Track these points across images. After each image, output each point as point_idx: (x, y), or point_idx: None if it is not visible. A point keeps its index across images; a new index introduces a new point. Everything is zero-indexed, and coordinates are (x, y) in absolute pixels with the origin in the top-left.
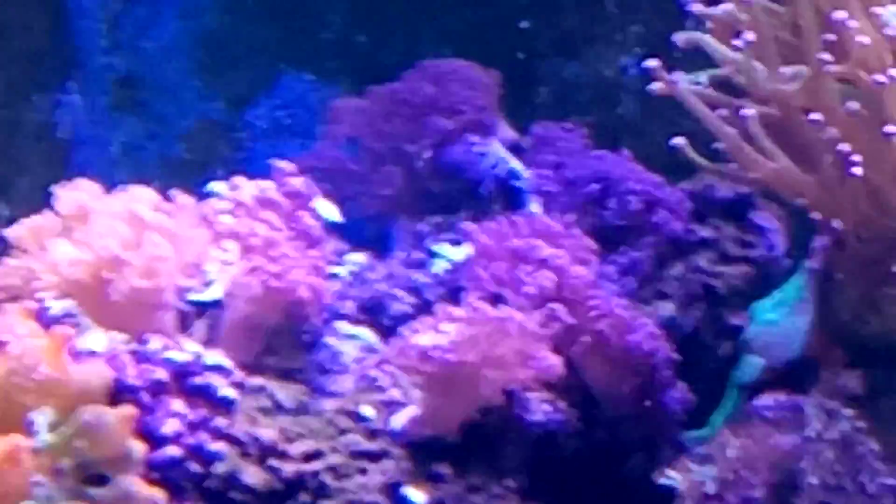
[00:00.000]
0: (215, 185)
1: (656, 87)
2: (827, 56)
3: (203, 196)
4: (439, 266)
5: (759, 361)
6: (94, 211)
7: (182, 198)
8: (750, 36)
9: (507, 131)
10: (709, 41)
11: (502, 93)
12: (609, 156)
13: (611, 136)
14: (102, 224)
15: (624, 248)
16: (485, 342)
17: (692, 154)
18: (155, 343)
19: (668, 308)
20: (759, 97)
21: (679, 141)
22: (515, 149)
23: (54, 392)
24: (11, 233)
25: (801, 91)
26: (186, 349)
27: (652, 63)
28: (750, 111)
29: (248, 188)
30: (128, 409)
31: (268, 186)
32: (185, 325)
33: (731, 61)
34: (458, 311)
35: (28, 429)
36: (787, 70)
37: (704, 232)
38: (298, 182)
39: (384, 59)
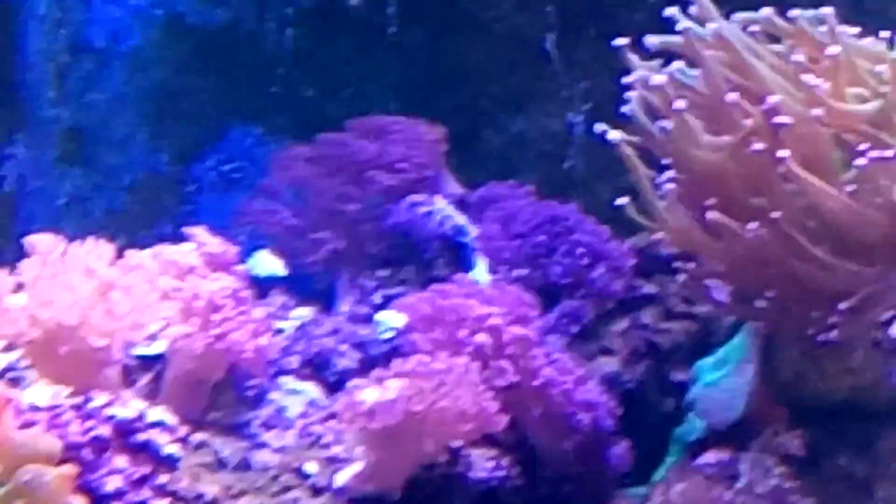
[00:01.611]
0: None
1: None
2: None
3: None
4: (383, 332)
5: (702, 421)
6: (50, 264)
7: (130, 253)
8: (679, 104)
9: (454, 186)
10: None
11: (448, 148)
12: (558, 206)
13: (558, 192)
14: (56, 277)
15: (568, 302)
16: (429, 396)
17: (635, 214)
18: (99, 399)
19: (611, 363)
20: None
21: (623, 201)
22: (462, 204)
23: None
24: None
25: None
26: (130, 405)
27: (614, 134)
28: (669, 179)
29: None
30: (68, 468)
31: (189, 250)
32: (129, 378)
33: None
34: (402, 366)
35: None
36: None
37: (649, 288)
38: (213, 243)
39: (332, 114)
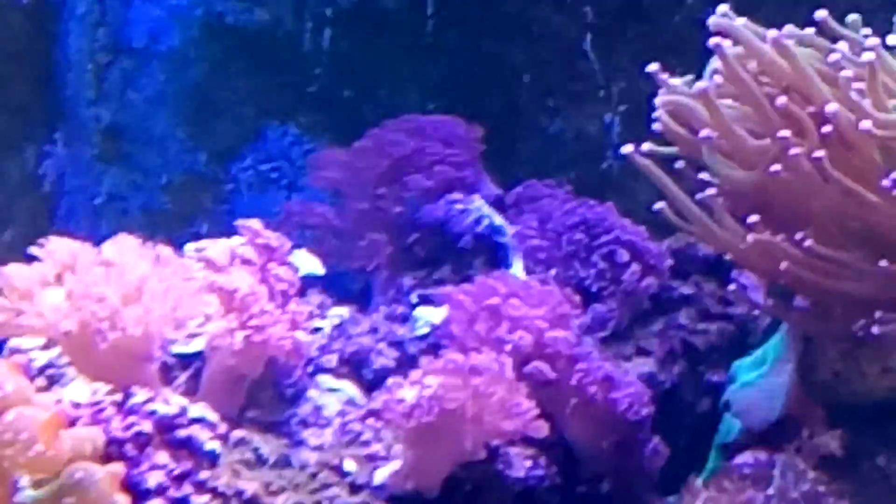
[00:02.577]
0: (189, 247)
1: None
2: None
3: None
4: (420, 327)
5: (739, 422)
6: (84, 260)
7: (166, 250)
8: (705, 132)
9: (490, 187)
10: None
11: (485, 148)
12: (596, 205)
13: (594, 193)
14: (94, 273)
15: (605, 302)
16: (468, 394)
17: (672, 216)
18: (140, 395)
19: (647, 364)
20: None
21: (660, 205)
22: (498, 204)
23: (46, 467)
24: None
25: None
26: (172, 401)
27: (627, 149)
28: (711, 190)
29: (219, 246)
30: (117, 467)
31: (240, 243)
32: (167, 377)
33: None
34: (441, 364)
35: (13, 486)
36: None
37: (685, 289)
38: (271, 236)
39: (368, 114)
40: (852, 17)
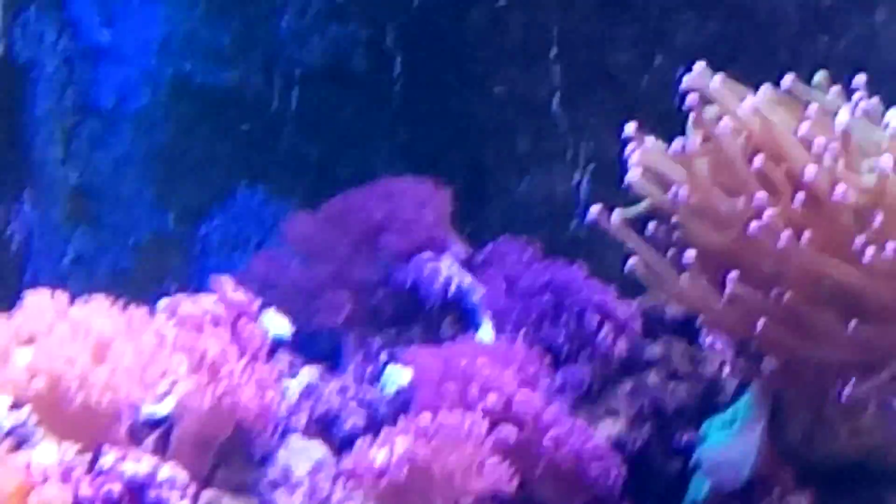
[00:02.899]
0: (162, 303)
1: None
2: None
3: (153, 310)
4: (389, 387)
5: (709, 482)
6: (56, 320)
7: (137, 311)
8: (683, 192)
9: (459, 247)
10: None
11: (454, 209)
12: (563, 266)
13: (562, 254)
14: (63, 333)
15: (574, 364)
16: (438, 454)
17: (643, 275)
18: (110, 455)
19: (617, 425)
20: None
21: (633, 261)
22: (467, 265)
23: None
24: None
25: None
26: (142, 461)
27: (595, 210)
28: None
29: (191, 304)
30: None
31: (211, 301)
32: (135, 438)
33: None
34: (411, 424)
35: None
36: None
37: (655, 349)
38: (240, 296)
39: (338, 174)
40: (820, 77)
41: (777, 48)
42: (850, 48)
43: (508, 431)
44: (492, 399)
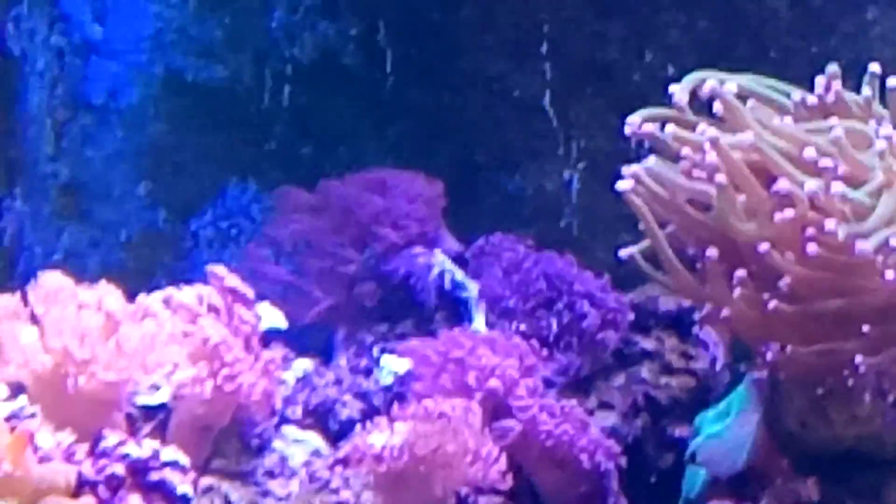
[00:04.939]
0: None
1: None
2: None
3: None
4: (385, 377)
5: (705, 473)
6: (63, 300)
7: (139, 299)
8: (720, 178)
9: (451, 242)
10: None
11: (445, 205)
12: (557, 258)
13: (553, 250)
14: (68, 313)
15: (567, 354)
16: (436, 440)
17: (642, 263)
18: (112, 438)
19: (610, 418)
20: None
21: (627, 252)
22: (459, 260)
23: (16, 490)
24: None
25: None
26: (144, 444)
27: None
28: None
29: (189, 292)
30: (88, 500)
31: (207, 290)
32: (131, 428)
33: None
34: (411, 410)
35: None
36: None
37: (647, 343)
38: (237, 282)
39: (328, 170)
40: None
41: (767, 45)
42: (841, 45)
43: (506, 420)
44: (490, 387)
